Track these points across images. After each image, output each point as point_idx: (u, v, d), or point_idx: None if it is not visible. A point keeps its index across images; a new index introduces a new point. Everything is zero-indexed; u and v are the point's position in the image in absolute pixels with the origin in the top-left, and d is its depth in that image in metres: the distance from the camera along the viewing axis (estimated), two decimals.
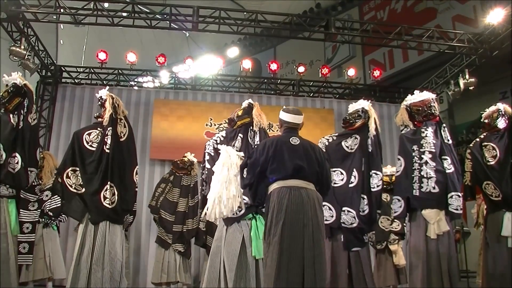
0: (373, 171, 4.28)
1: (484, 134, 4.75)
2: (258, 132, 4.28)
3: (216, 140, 4.32)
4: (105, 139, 4.27)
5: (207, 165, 4.24)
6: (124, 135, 4.43)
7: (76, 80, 9.16)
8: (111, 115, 4.33)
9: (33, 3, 7.13)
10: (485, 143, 4.60)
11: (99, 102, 4.51)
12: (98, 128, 4.38)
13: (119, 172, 4.30)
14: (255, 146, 4.18)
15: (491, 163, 4.48)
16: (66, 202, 4.30)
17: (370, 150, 4.32)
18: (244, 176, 3.47)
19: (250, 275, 3.77)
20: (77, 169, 4.26)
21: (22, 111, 4.11)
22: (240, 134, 4.26)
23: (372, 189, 4.23)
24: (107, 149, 4.23)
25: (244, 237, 3.86)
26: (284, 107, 3.73)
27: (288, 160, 3.27)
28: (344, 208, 4.19)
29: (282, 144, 3.36)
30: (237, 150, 4.14)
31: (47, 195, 5.74)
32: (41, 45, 8.27)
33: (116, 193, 4.21)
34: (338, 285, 4.02)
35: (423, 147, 4.28)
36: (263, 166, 3.32)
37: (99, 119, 4.44)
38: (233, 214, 3.89)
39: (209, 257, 3.98)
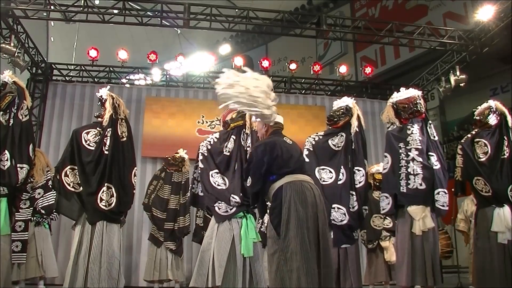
0: (356, 168, 4.35)
1: (476, 130, 4.78)
2: (250, 134, 4.32)
3: (209, 141, 4.35)
4: (104, 140, 4.25)
5: (201, 165, 4.26)
6: (124, 135, 4.42)
7: (67, 78, 9.09)
8: (111, 116, 4.32)
9: (22, 0, 7.06)
10: (477, 139, 4.63)
11: (99, 102, 4.49)
12: (97, 128, 4.36)
13: (119, 173, 4.29)
14: (248, 148, 4.20)
15: (482, 159, 4.52)
16: (64, 201, 4.28)
17: (353, 147, 4.38)
18: (249, 182, 3.35)
19: (238, 271, 3.85)
20: (76, 167, 4.24)
21: (12, 108, 4.08)
22: (233, 136, 4.29)
23: (356, 186, 4.31)
24: (106, 150, 4.22)
25: (234, 235, 3.95)
26: None
27: (291, 157, 3.28)
28: (334, 206, 4.23)
29: (281, 143, 3.35)
30: (229, 151, 4.18)
31: (39, 193, 5.67)
32: (31, 42, 8.19)
33: (114, 194, 4.20)
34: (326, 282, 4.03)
35: (410, 144, 4.32)
36: (268, 164, 3.25)
37: (99, 119, 4.42)
38: (225, 212, 3.98)
39: (199, 253, 4.05)
